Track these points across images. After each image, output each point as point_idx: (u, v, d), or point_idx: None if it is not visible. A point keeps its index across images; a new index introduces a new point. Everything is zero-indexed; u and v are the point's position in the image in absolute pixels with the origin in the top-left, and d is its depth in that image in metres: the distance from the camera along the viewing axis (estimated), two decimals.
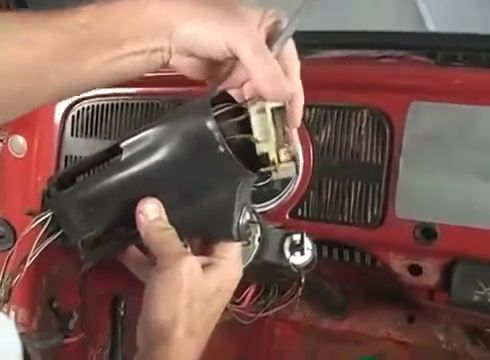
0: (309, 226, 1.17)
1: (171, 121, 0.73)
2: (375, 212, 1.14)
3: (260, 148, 0.71)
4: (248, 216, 0.78)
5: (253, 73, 0.68)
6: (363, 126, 1.15)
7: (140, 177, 0.73)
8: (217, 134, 0.68)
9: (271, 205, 1.22)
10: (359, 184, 1.15)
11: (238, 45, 0.67)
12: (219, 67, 0.75)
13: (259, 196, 1.27)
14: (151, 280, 0.76)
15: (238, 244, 0.80)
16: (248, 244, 1.02)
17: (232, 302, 1.13)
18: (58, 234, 0.78)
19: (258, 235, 1.04)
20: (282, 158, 0.71)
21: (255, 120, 0.71)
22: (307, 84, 1.06)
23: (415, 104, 1.12)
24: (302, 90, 0.76)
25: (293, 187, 1.20)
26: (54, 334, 1.51)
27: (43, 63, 0.70)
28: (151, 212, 0.75)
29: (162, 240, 0.76)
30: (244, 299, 1.19)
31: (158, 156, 0.72)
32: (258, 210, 1.13)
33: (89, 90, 0.85)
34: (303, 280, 1.05)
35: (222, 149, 0.68)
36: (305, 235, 1.02)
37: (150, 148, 0.72)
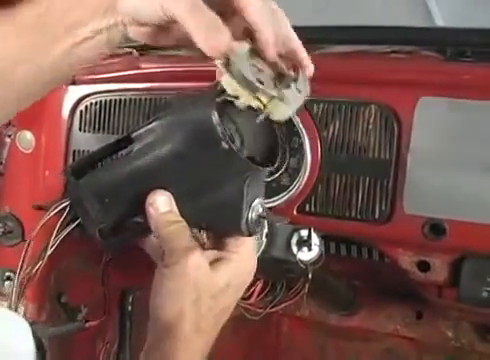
0: (317, 222, 1.16)
1: (179, 115, 0.73)
2: (383, 208, 1.14)
3: (238, 104, 0.69)
4: (260, 210, 0.78)
5: (188, 30, 0.67)
6: (371, 121, 1.15)
7: (150, 169, 0.74)
8: (219, 129, 0.68)
9: (279, 200, 1.22)
10: (367, 180, 1.15)
11: (173, 7, 0.67)
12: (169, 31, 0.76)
13: (267, 191, 1.27)
14: (158, 276, 0.76)
15: (252, 238, 0.80)
16: (256, 240, 1.02)
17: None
18: (76, 223, 0.78)
19: (266, 231, 1.04)
20: (264, 100, 0.68)
21: (225, 78, 0.69)
22: (315, 79, 1.06)
23: (424, 99, 1.11)
24: (265, 21, 0.71)
25: (301, 182, 1.20)
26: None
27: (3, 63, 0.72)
28: (161, 205, 0.75)
29: (171, 234, 0.75)
30: (251, 295, 1.19)
31: (165, 149, 0.72)
32: (266, 205, 1.12)
33: (59, 82, 0.85)
34: (310, 276, 1.05)
35: (226, 146, 0.68)
36: (313, 231, 1.02)
37: (158, 140, 0.73)
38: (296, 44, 0.75)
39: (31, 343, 0.57)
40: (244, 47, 0.69)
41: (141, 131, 0.75)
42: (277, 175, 1.26)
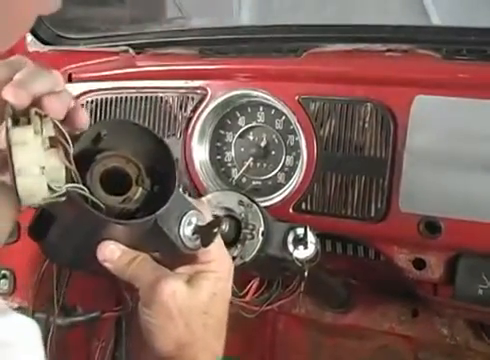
0: (313, 220, 1.17)
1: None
2: (379, 206, 1.14)
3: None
4: (193, 222, 0.77)
5: None
6: (367, 120, 1.15)
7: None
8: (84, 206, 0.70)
9: (275, 199, 1.22)
10: (363, 178, 1.15)
11: None
12: None
13: (263, 190, 1.27)
14: (142, 316, 0.76)
15: (217, 242, 0.78)
16: (252, 238, 1.03)
17: (235, 296, 1.13)
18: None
19: (262, 229, 1.04)
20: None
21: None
22: (312, 77, 1.07)
23: (419, 98, 1.11)
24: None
25: (297, 181, 1.20)
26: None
27: None
28: (110, 254, 0.76)
29: (134, 274, 0.76)
30: (247, 293, 1.19)
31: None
32: (262, 204, 1.12)
33: None
34: (306, 274, 1.05)
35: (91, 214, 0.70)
36: (308, 229, 1.02)
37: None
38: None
39: (41, 349, 0.57)
40: None
41: None
42: (273, 173, 1.26)
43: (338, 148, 1.17)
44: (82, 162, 0.71)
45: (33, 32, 1.48)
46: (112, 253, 0.75)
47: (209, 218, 0.80)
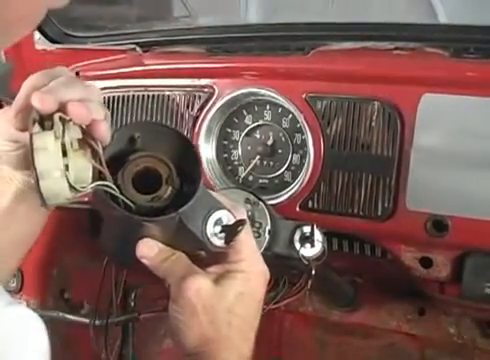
0: (319, 218, 1.17)
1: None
2: (386, 204, 1.14)
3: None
4: (221, 221, 0.80)
5: None
6: (374, 118, 1.15)
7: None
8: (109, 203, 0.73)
9: (282, 197, 1.22)
10: (370, 176, 1.15)
11: None
12: None
13: (270, 188, 1.27)
14: (171, 312, 0.79)
15: (247, 240, 0.81)
16: (258, 236, 1.03)
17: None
18: None
19: (268, 227, 1.04)
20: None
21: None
22: (319, 76, 1.07)
23: (427, 96, 1.11)
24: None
25: (303, 179, 1.20)
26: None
27: None
28: (147, 252, 0.79)
29: (168, 268, 0.79)
30: None
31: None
32: (269, 202, 1.12)
33: None
34: (313, 272, 1.05)
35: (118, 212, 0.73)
36: (315, 227, 1.02)
37: None
38: None
39: (46, 341, 0.58)
40: None
41: None
42: (280, 172, 1.26)
43: (345, 146, 1.17)
44: (114, 162, 0.75)
45: (41, 30, 1.48)
46: (150, 250, 0.79)
47: (240, 214, 0.83)
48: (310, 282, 1.13)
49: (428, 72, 1.16)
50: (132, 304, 1.62)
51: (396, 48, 1.22)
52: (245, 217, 0.83)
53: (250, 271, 0.80)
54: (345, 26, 1.33)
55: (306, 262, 1.03)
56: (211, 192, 0.82)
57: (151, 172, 0.77)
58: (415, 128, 1.12)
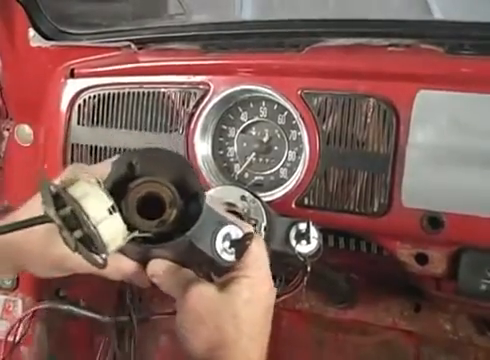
0: (315, 215, 1.17)
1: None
2: (381, 201, 1.14)
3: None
4: (229, 237, 0.81)
5: None
6: (370, 115, 1.15)
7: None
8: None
9: (277, 194, 1.22)
10: (365, 173, 1.15)
11: None
12: None
13: (266, 185, 1.27)
14: (177, 325, 0.80)
15: (255, 249, 0.82)
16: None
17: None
18: None
19: (264, 224, 1.04)
20: None
21: None
22: (314, 72, 1.06)
23: (422, 93, 1.11)
24: None
25: (299, 176, 1.20)
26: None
27: None
28: (157, 269, 0.82)
29: (174, 283, 0.81)
30: None
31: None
32: (264, 199, 1.12)
33: None
34: (309, 269, 1.05)
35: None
36: (311, 224, 1.02)
37: None
38: None
39: None
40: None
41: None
42: (276, 168, 1.26)
43: (340, 143, 1.17)
44: (116, 191, 0.75)
45: (35, 27, 1.48)
46: (158, 268, 0.82)
47: (246, 226, 0.86)
48: (306, 279, 1.13)
49: (423, 69, 1.16)
50: (128, 301, 1.62)
51: (391, 44, 1.22)
52: (251, 229, 0.85)
53: (255, 276, 0.80)
54: (340, 23, 1.33)
55: (302, 259, 1.03)
56: (213, 207, 0.83)
57: (154, 196, 0.78)
58: (410, 124, 1.12)
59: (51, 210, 0.70)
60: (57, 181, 0.74)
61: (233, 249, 0.81)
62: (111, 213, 0.70)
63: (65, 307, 1.38)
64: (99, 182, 0.73)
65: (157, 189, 0.77)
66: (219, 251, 0.80)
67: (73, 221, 0.70)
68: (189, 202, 0.79)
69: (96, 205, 0.70)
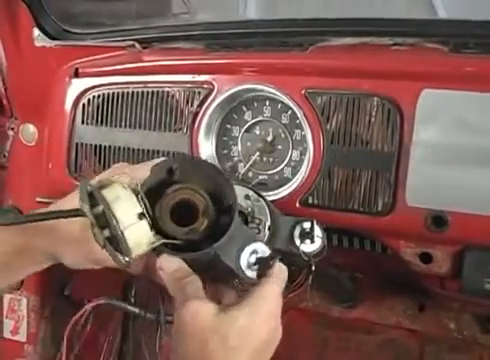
0: (319, 214, 1.17)
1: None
2: (386, 200, 1.14)
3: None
4: (256, 254, 0.83)
5: None
6: (374, 114, 1.15)
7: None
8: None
9: (281, 193, 1.22)
10: (369, 172, 1.15)
11: None
12: None
13: (270, 184, 1.27)
14: (172, 332, 0.80)
15: (271, 279, 0.83)
16: (258, 232, 1.03)
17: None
18: None
19: (268, 223, 1.04)
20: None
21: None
22: (318, 71, 1.06)
23: (426, 91, 1.11)
24: None
25: (303, 175, 1.20)
26: None
27: None
28: (167, 265, 0.81)
29: (179, 288, 0.80)
30: None
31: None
32: (269, 198, 1.12)
33: None
34: (313, 268, 1.05)
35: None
36: (315, 223, 1.02)
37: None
38: None
39: None
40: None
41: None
42: (280, 168, 1.26)
43: (345, 142, 1.17)
44: (153, 194, 0.77)
45: (40, 27, 1.48)
46: (169, 264, 0.81)
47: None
48: (310, 278, 1.13)
49: (427, 67, 1.16)
50: (132, 300, 1.63)
51: (395, 43, 1.22)
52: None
53: (256, 307, 0.80)
54: (344, 22, 1.33)
55: (306, 258, 1.03)
56: (242, 224, 0.85)
57: (187, 203, 0.79)
58: (415, 123, 1.12)
59: (86, 206, 0.73)
60: (96, 180, 0.77)
61: (257, 266, 0.82)
62: (140, 219, 0.72)
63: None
64: (137, 185, 0.75)
65: (192, 197, 0.79)
66: (243, 267, 0.82)
67: (104, 220, 0.72)
68: (220, 214, 0.80)
69: (126, 210, 0.72)
